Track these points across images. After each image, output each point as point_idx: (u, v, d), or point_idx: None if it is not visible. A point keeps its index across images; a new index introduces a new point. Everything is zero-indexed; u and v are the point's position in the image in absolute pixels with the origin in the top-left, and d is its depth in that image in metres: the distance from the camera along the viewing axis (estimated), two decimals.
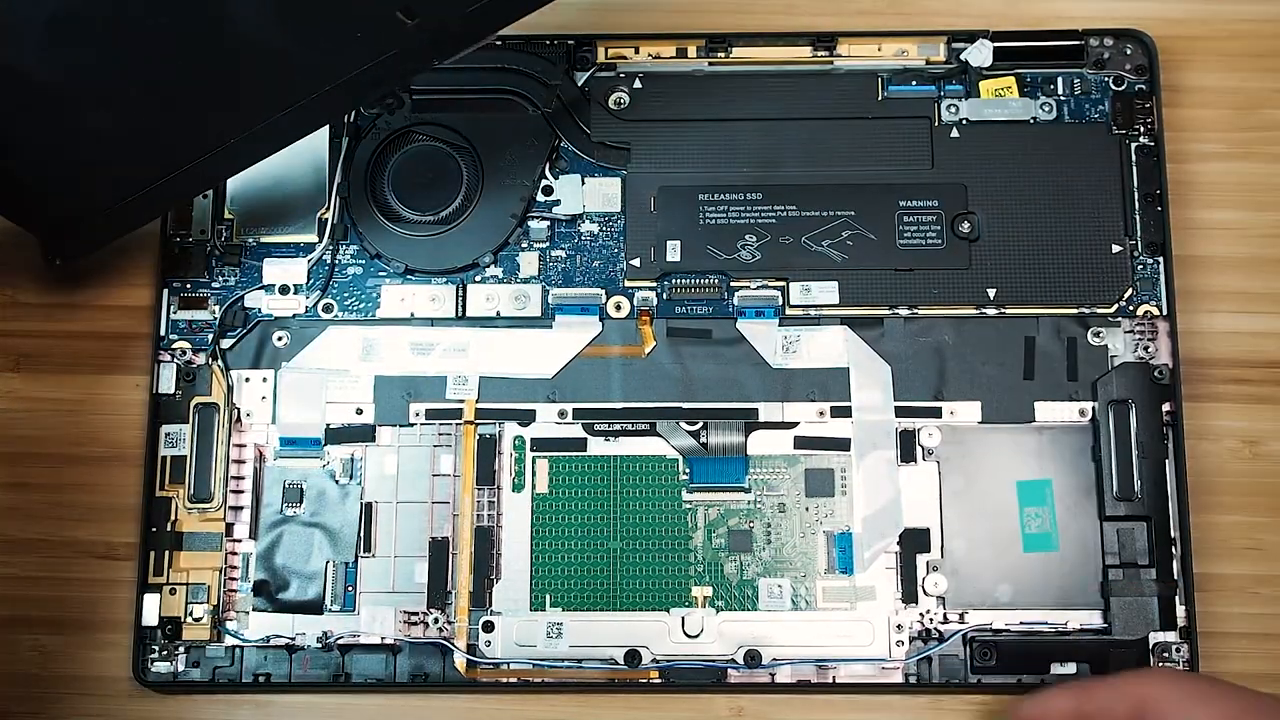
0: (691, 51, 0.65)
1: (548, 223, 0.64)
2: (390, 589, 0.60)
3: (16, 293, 0.65)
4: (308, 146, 0.62)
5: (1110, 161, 0.63)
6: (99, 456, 0.63)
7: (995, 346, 0.61)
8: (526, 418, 0.61)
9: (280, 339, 0.62)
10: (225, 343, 0.62)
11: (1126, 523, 0.60)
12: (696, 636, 0.59)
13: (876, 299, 0.62)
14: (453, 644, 0.59)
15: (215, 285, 0.63)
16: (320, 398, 0.61)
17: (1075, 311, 0.62)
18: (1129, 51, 0.64)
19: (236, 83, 0.54)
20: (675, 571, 0.60)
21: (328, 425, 0.61)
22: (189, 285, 0.63)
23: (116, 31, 0.52)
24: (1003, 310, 0.62)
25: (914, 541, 0.60)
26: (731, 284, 0.63)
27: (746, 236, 0.63)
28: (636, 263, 0.63)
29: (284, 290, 0.63)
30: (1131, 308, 0.62)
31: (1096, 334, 0.61)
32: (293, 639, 0.59)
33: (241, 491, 0.61)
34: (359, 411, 0.61)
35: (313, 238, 0.63)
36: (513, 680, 0.59)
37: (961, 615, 0.59)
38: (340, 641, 0.59)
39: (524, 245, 0.63)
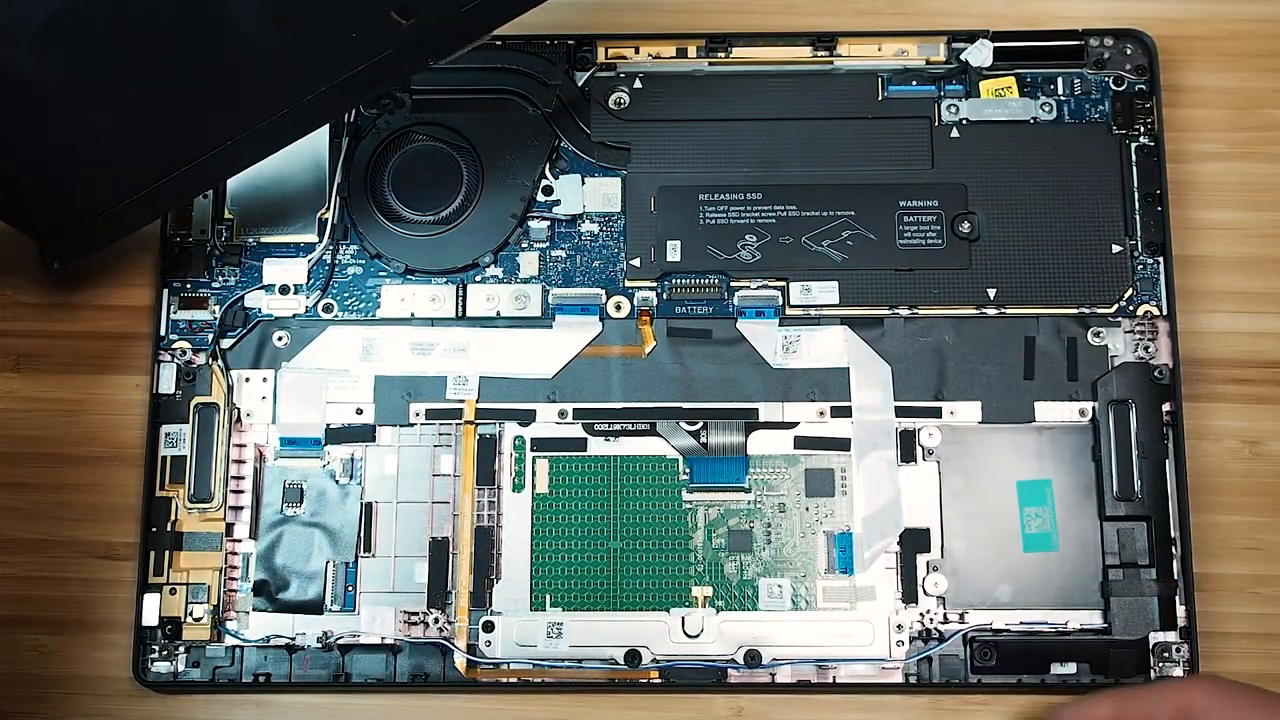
0: (691, 51, 0.65)
1: (548, 223, 0.64)
2: (390, 589, 0.60)
3: (16, 293, 0.65)
4: (308, 146, 0.62)
5: (1110, 161, 0.63)
6: (99, 456, 0.63)
7: (995, 346, 0.61)
8: (527, 418, 0.61)
9: (280, 339, 0.62)
10: (225, 343, 0.62)
11: (1126, 523, 0.60)
12: (697, 636, 0.59)
13: (876, 299, 0.62)
14: (453, 644, 0.59)
15: (215, 285, 0.63)
16: (320, 398, 0.61)
17: (1075, 311, 0.62)
18: (1129, 51, 0.64)
19: (234, 83, 0.54)
20: (675, 571, 0.60)
21: (328, 425, 0.61)
22: (189, 285, 0.63)
23: (113, 33, 0.52)
24: (1003, 310, 0.62)
25: (914, 541, 0.60)
26: (731, 284, 0.63)
27: (746, 236, 0.63)
28: (636, 263, 0.63)
29: (284, 290, 0.63)
30: (1131, 308, 0.62)
31: (1096, 334, 0.61)
32: (293, 639, 0.59)
33: (241, 491, 0.61)
34: (359, 411, 0.61)
35: (313, 238, 0.63)
36: (513, 680, 0.59)
37: (962, 615, 0.59)
38: (340, 641, 0.59)
39: (524, 245, 0.63)
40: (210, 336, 0.62)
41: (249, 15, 0.51)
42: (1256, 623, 0.61)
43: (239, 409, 0.61)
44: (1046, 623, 0.59)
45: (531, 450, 0.61)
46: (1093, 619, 0.59)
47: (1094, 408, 0.61)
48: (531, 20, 0.56)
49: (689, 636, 0.59)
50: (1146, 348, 0.61)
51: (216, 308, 0.63)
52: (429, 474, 0.61)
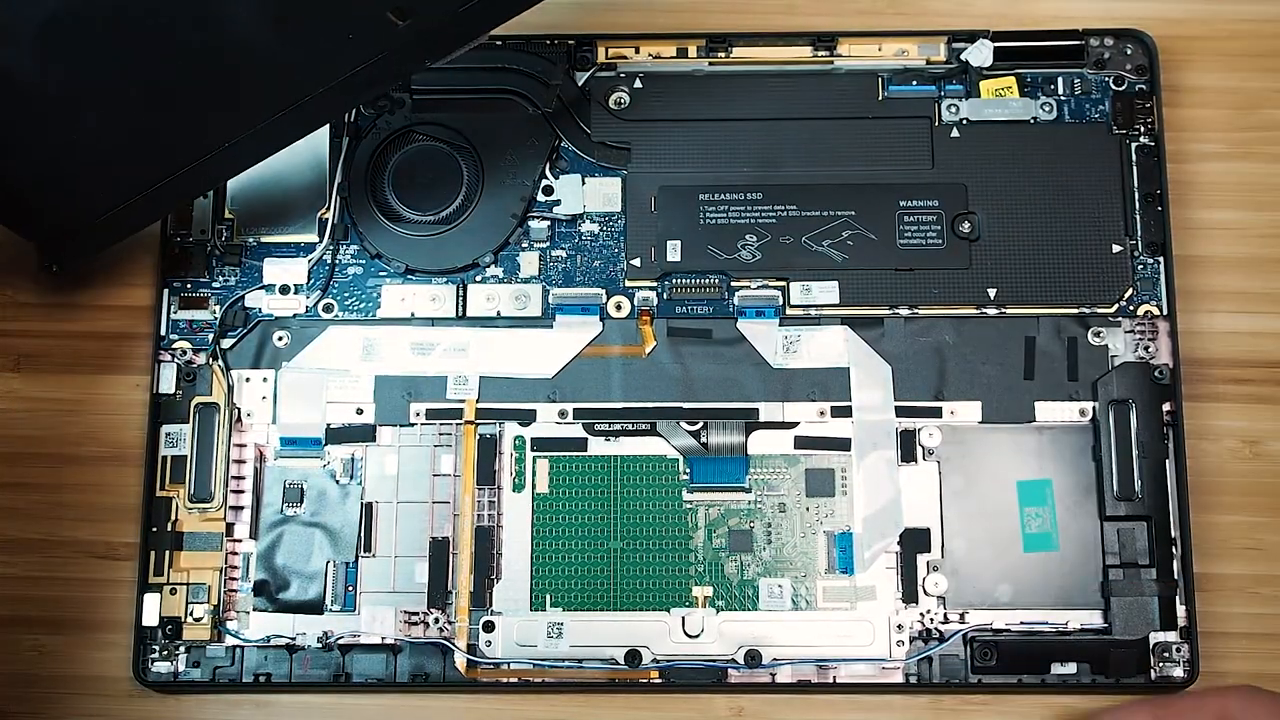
0: (691, 51, 0.65)
1: (548, 223, 0.64)
2: (390, 589, 0.60)
3: (16, 293, 0.65)
4: (308, 146, 0.62)
5: (1110, 161, 0.63)
6: (99, 456, 0.63)
7: (995, 346, 0.61)
8: (527, 418, 0.61)
9: (280, 339, 0.62)
10: (225, 343, 0.62)
11: (1127, 523, 0.60)
12: (697, 636, 0.59)
13: (877, 299, 0.62)
14: (453, 644, 0.59)
15: (215, 285, 0.63)
16: (320, 398, 0.61)
17: (1075, 311, 0.62)
18: (1129, 51, 0.64)
19: (233, 84, 0.54)
20: (675, 571, 0.60)
21: (328, 425, 0.61)
22: (189, 285, 0.63)
23: (112, 34, 0.52)
24: (1003, 310, 0.62)
25: (914, 541, 0.60)
26: (732, 284, 0.63)
27: (747, 236, 0.63)
28: (637, 263, 0.63)
29: (284, 290, 0.63)
30: (1132, 308, 0.62)
31: (1097, 334, 0.61)
32: (293, 639, 0.59)
33: (242, 491, 0.61)
34: (359, 411, 0.61)
35: (313, 238, 0.63)
36: (513, 680, 0.59)
37: (962, 615, 0.59)
38: (340, 641, 0.59)
39: (524, 245, 0.63)
40: (210, 336, 0.62)
41: (248, 16, 0.51)
42: (1256, 623, 0.61)
43: (239, 409, 0.61)
44: (1047, 623, 0.59)
45: (532, 450, 0.61)
46: (1093, 619, 0.59)
47: (1094, 408, 0.61)
48: (531, 20, 0.56)
49: (689, 636, 0.59)
50: (1147, 348, 0.61)
51: (217, 308, 0.63)
52: (429, 474, 0.61)
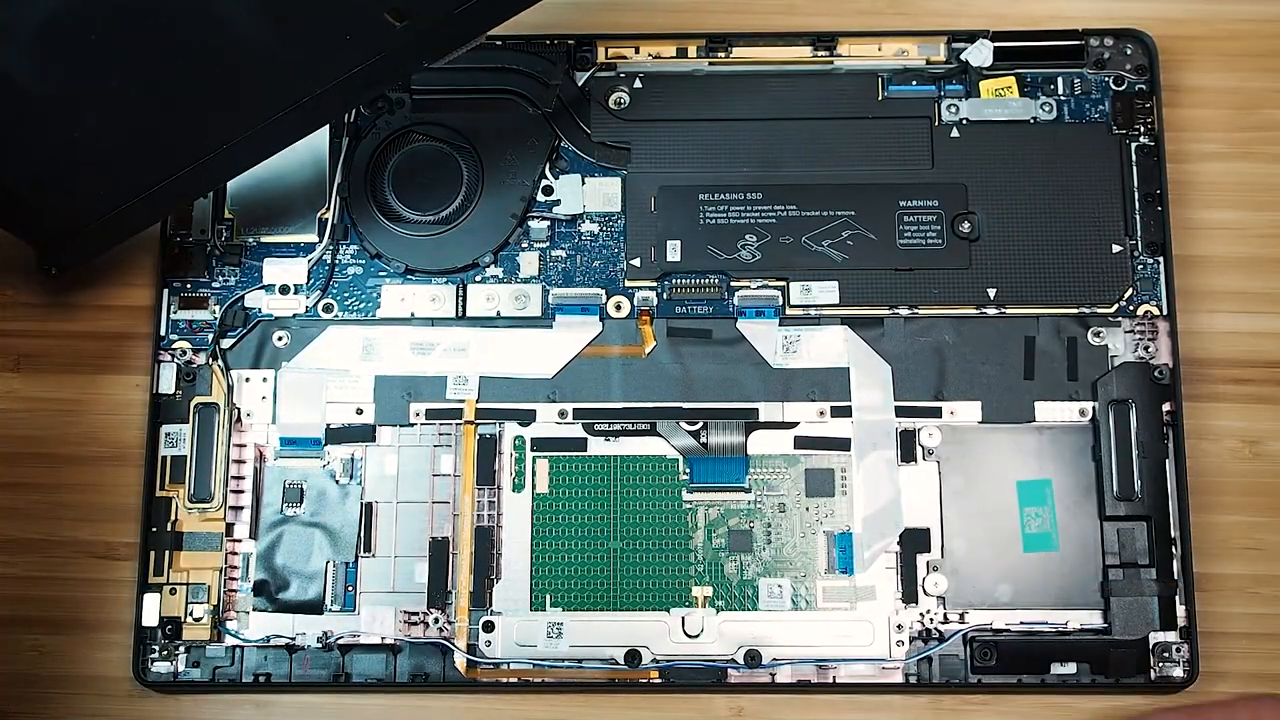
0: (691, 51, 0.65)
1: (548, 223, 0.64)
2: (390, 589, 0.60)
3: (16, 293, 0.65)
4: (308, 146, 0.62)
5: (1110, 161, 0.63)
6: (99, 456, 0.63)
7: (995, 346, 0.61)
8: (527, 418, 0.61)
9: (280, 339, 0.62)
10: (225, 343, 0.62)
11: (1126, 523, 0.60)
12: (697, 636, 0.59)
13: (876, 299, 0.62)
14: (453, 644, 0.59)
15: (215, 285, 0.63)
16: (320, 398, 0.61)
17: (1075, 311, 0.62)
18: (1129, 51, 0.64)
19: (233, 85, 0.54)
20: (675, 571, 0.60)
21: (328, 425, 0.61)
22: (189, 285, 0.63)
23: (111, 34, 0.52)
24: (1003, 310, 0.62)
25: (914, 541, 0.60)
26: (731, 284, 0.63)
27: (746, 236, 0.63)
28: (637, 263, 0.63)
29: (284, 290, 0.63)
30: (1131, 308, 0.62)
31: (1097, 334, 0.61)
32: (293, 639, 0.59)
33: (241, 491, 0.61)
34: (359, 411, 0.61)
35: (313, 238, 0.63)
36: (513, 680, 0.59)
37: (962, 615, 0.59)
38: (340, 641, 0.59)
39: (524, 245, 0.63)
40: (210, 336, 0.62)
41: (248, 16, 0.51)
42: (1256, 623, 0.61)
43: (239, 409, 0.61)
44: (1046, 623, 0.59)
45: (531, 450, 0.61)
46: (1093, 619, 0.59)
47: (1094, 408, 0.61)
48: (531, 20, 0.56)
49: (689, 636, 0.59)
50: (1146, 348, 0.61)
51: (216, 308, 0.63)
52: (429, 474, 0.61)
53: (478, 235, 0.63)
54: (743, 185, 0.63)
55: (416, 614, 0.60)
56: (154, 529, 0.60)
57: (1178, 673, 0.58)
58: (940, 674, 0.59)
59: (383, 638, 0.59)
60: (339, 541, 0.60)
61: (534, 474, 0.61)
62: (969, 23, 0.66)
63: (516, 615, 0.59)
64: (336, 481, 0.61)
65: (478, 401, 0.61)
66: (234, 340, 0.62)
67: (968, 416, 0.61)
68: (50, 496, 0.62)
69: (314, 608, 0.60)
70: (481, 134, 0.64)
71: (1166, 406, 0.60)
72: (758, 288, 0.62)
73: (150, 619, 0.59)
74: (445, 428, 0.61)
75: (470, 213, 0.63)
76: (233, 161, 0.57)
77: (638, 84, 0.64)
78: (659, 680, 0.59)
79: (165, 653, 0.60)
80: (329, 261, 0.63)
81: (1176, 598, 0.59)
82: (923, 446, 0.61)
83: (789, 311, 0.62)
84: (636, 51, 0.65)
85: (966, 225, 0.62)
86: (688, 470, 0.61)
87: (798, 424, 0.61)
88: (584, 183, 0.64)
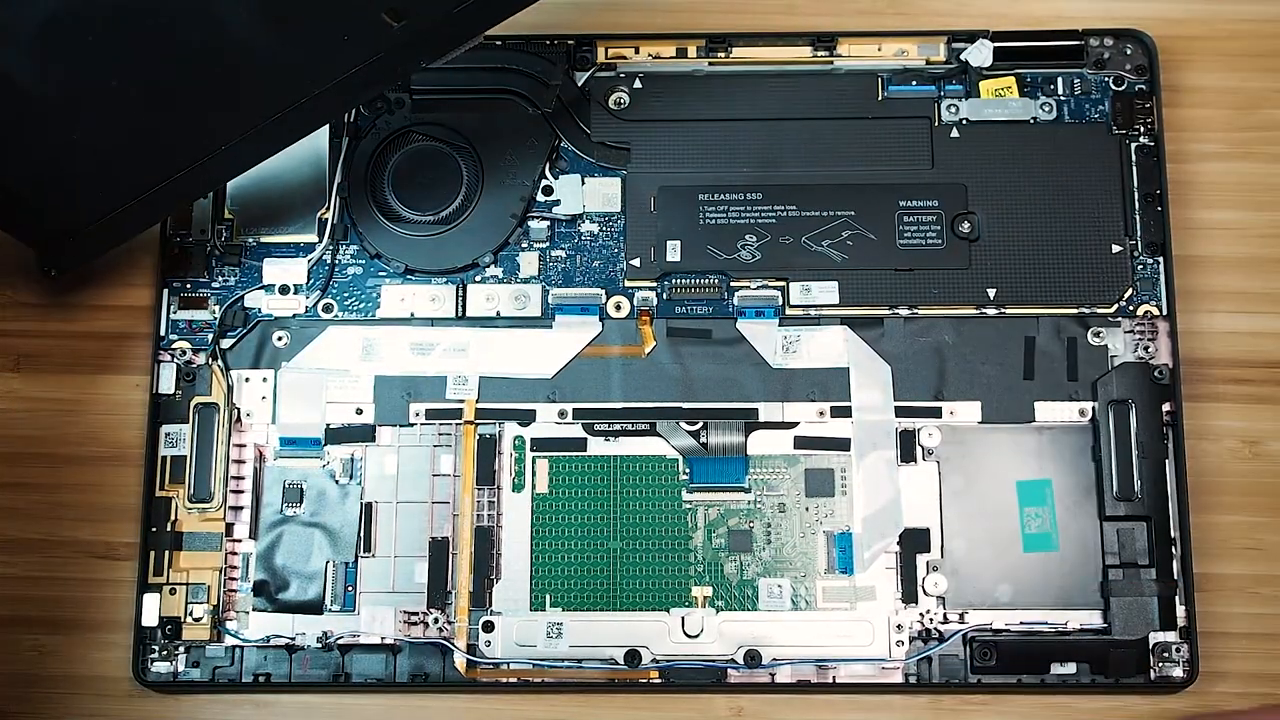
0: (691, 51, 0.65)
1: (548, 223, 0.64)
2: (390, 589, 0.60)
3: (16, 293, 0.65)
4: (308, 146, 0.62)
5: (1110, 161, 0.63)
6: (99, 456, 0.63)
7: (995, 346, 0.61)
8: (526, 418, 0.61)
9: (280, 339, 0.62)
10: (225, 343, 0.62)
11: (1126, 523, 0.60)
12: (696, 636, 0.59)
13: (876, 299, 0.62)
14: (453, 644, 0.59)
15: (215, 285, 0.63)
16: (320, 398, 0.61)
17: (1075, 311, 0.62)
18: (1129, 51, 0.64)
19: (231, 85, 0.54)
20: (675, 571, 0.60)
21: (328, 425, 0.61)
22: (189, 285, 0.63)
23: (111, 35, 0.52)
24: (1003, 310, 0.62)
25: (914, 541, 0.60)
26: (731, 284, 0.63)
27: (746, 236, 0.63)
28: (636, 263, 0.63)
29: (284, 290, 0.63)
30: (1131, 308, 0.62)
31: (1096, 334, 0.61)
32: (293, 639, 0.59)
33: (241, 491, 0.61)
34: (359, 411, 0.61)
35: (313, 238, 0.63)
36: (513, 680, 0.59)
37: (961, 615, 0.59)
38: (340, 641, 0.59)
39: (524, 245, 0.63)
40: (210, 336, 0.62)
41: (247, 16, 0.51)
42: (1256, 623, 0.61)
43: (239, 409, 0.61)
44: (1046, 623, 0.59)
45: (531, 450, 0.61)
46: (1093, 619, 0.59)
47: (1094, 408, 0.61)
48: (531, 20, 0.56)
49: (689, 636, 0.59)
50: (1146, 348, 0.61)
51: (216, 308, 0.63)
52: (429, 474, 0.61)
53: (477, 235, 0.63)
54: (743, 185, 0.63)
55: (416, 614, 0.60)
56: (154, 529, 0.60)
57: (1177, 673, 0.58)
58: (940, 674, 0.59)
59: (382, 638, 0.59)
60: (339, 541, 0.60)
61: (534, 474, 0.61)
62: (969, 23, 0.66)
63: (516, 615, 0.59)
64: (336, 481, 0.61)
65: (477, 401, 0.61)
66: (234, 340, 0.62)
67: (967, 416, 0.61)
68: (50, 496, 0.62)
69: (314, 608, 0.60)
70: (481, 134, 0.64)
71: (1166, 406, 0.60)
72: (757, 288, 0.62)
73: (150, 619, 0.59)
74: (445, 428, 0.61)
75: (470, 213, 0.63)
76: (232, 162, 0.57)
77: (638, 84, 0.64)
78: (659, 680, 0.59)
79: (165, 653, 0.60)
80: (329, 261, 0.63)
81: (1176, 598, 0.59)
82: (922, 446, 0.61)
83: (789, 311, 0.62)
84: (636, 51, 0.65)
85: (966, 225, 0.62)
86: (687, 470, 0.61)
87: (797, 424, 0.61)
88: (584, 183, 0.64)
